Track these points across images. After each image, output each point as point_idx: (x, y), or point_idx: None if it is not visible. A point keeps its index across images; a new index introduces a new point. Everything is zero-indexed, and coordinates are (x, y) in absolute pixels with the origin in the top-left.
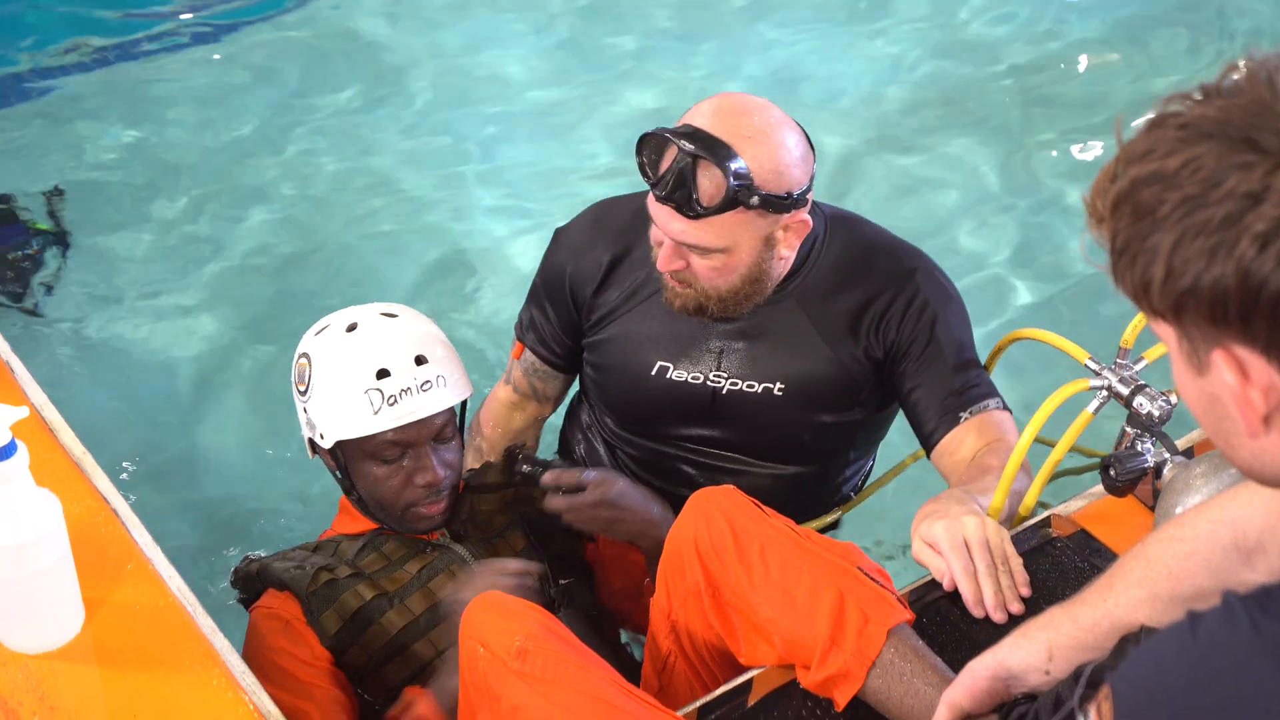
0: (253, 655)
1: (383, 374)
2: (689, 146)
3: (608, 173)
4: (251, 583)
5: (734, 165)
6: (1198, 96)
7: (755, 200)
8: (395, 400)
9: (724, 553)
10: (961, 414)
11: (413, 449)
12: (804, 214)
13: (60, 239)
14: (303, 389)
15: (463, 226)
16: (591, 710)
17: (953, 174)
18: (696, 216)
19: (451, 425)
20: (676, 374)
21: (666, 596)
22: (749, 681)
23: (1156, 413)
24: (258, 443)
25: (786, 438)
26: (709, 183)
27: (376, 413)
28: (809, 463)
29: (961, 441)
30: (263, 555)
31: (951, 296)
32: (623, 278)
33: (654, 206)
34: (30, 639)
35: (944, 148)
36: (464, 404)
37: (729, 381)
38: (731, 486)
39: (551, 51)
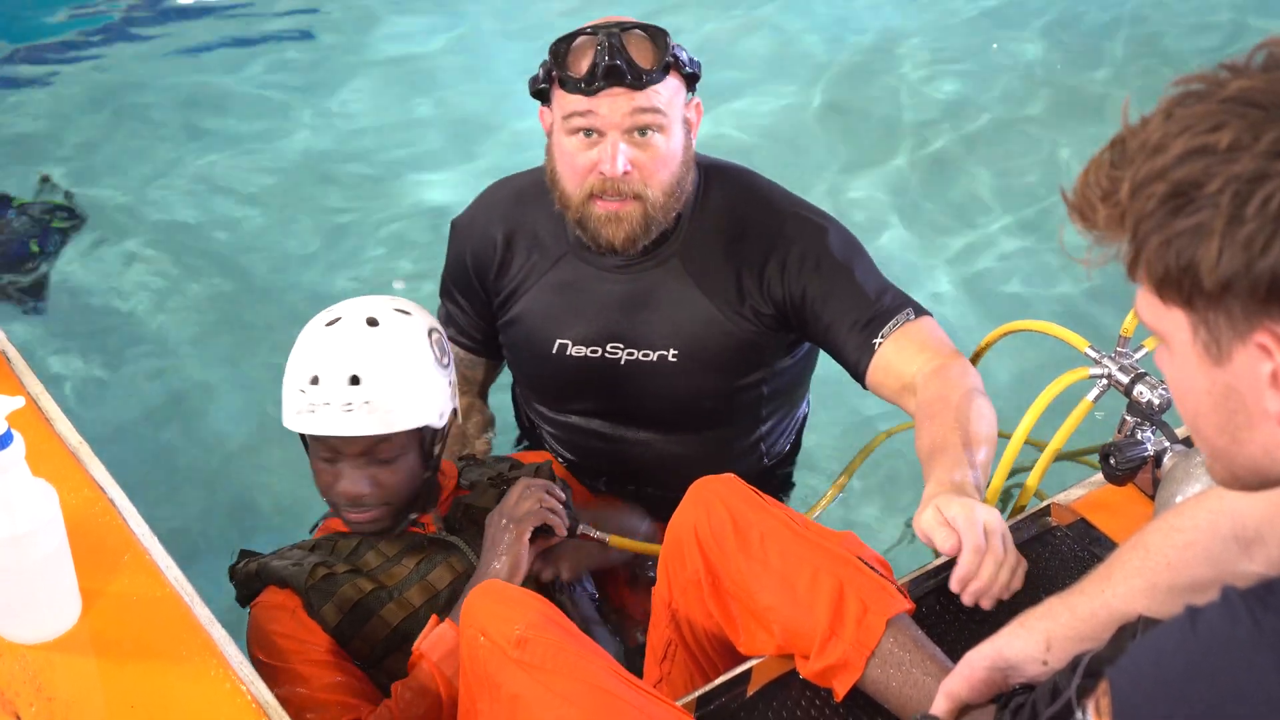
0: (258, 639)
1: (314, 380)
2: (612, 27)
3: None
4: (250, 582)
5: (655, 30)
6: (1226, 75)
7: (683, 60)
8: (314, 410)
9: (724, 541)
10: (875, 340)
11: (340, 456)
12: (698, 100)
13: (61, 232)
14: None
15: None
16: (591, 699)
17: (945, 163)
18: (642, 83)
19: (397, 450)
20: (576, 350)
21: (667, 585)
22: (748, 671)
23: (1157, 401)
24: (257, 433)
25: (689, 404)
26: (642, 50)
27: (297, 414)
28: (719, 427)
29: (887, 367)
30: (260, 555)
31: (826, 228)
32: (518, 255)
33: (591, 104)
34: (27, 630)
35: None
36: (437, 430)
37: (625, 352)
38: (732, 475)
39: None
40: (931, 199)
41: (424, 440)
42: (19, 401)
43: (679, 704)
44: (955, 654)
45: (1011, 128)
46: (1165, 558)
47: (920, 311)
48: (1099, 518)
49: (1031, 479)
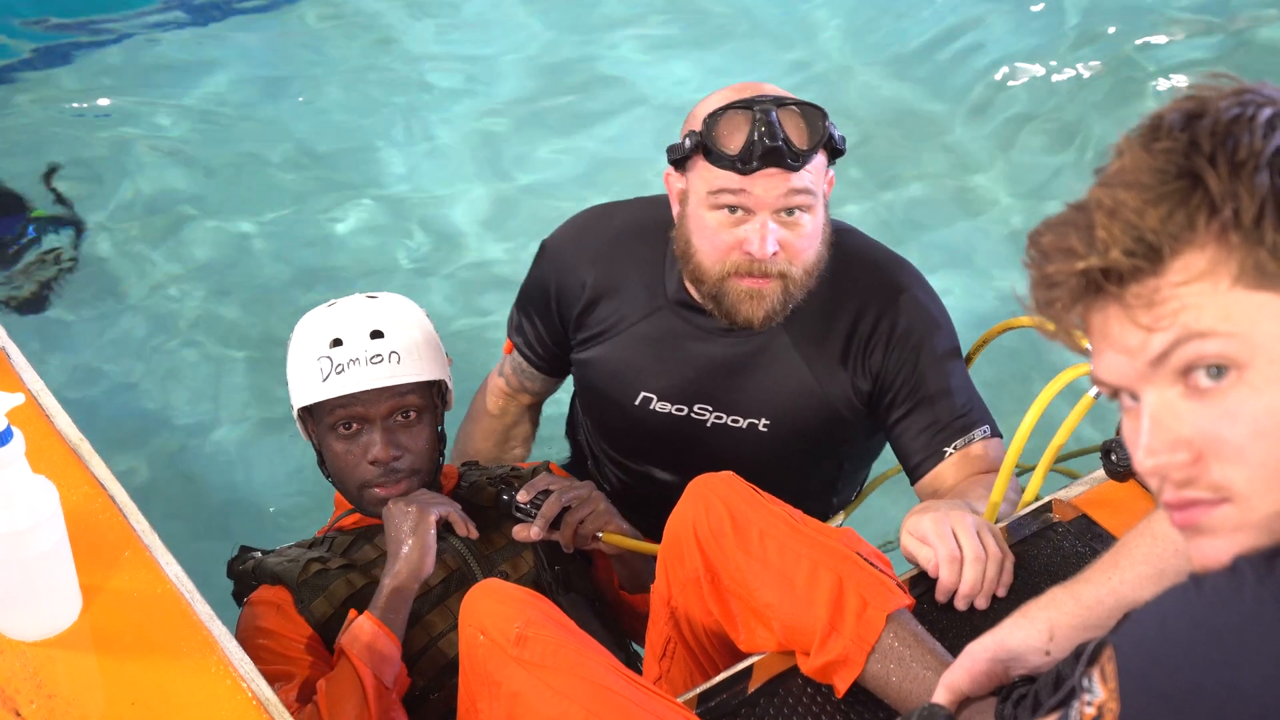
0: (242, 639)
1: (336, 343)
2: (766, 101)
3: (621, 164)
4: (246, 579)
5: (810, 107)
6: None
7: (835, 138)
8: (343, 369)
9: (723, 538)
10: (946, 448)
11: (367, 424)
12: (832, 173)
13: (69, 223)
14: (287, 359)
15: (474, 220)
16: (591, 696)
17: (949, 156)
18: (798, 164)
19: (418, 409)
20: (660, 405)
21: (666, 583)
22: (749, 668)
23: None
24: (258, 429)
25: (770, 473)
26: (798, 127)
27: (325, 380)
28: (793, 496)
29: (946, 476)
30: (258, 553)
31: (939, 322)
32: (607, 301)
33: (745, 183)
34: (28, 626)
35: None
36: (444, 395)
37: (714, 415)
38: (731, 473)
39: (560, 44)
40: (929, 191)
41: (436, 405)
42: (19, 398)
43: (680, 700)
44: (956, 649)
45: (1014, 122)
46: (1173, 543)
47: (995, 432)
48: (1100, 514)
49: (1035, 477)
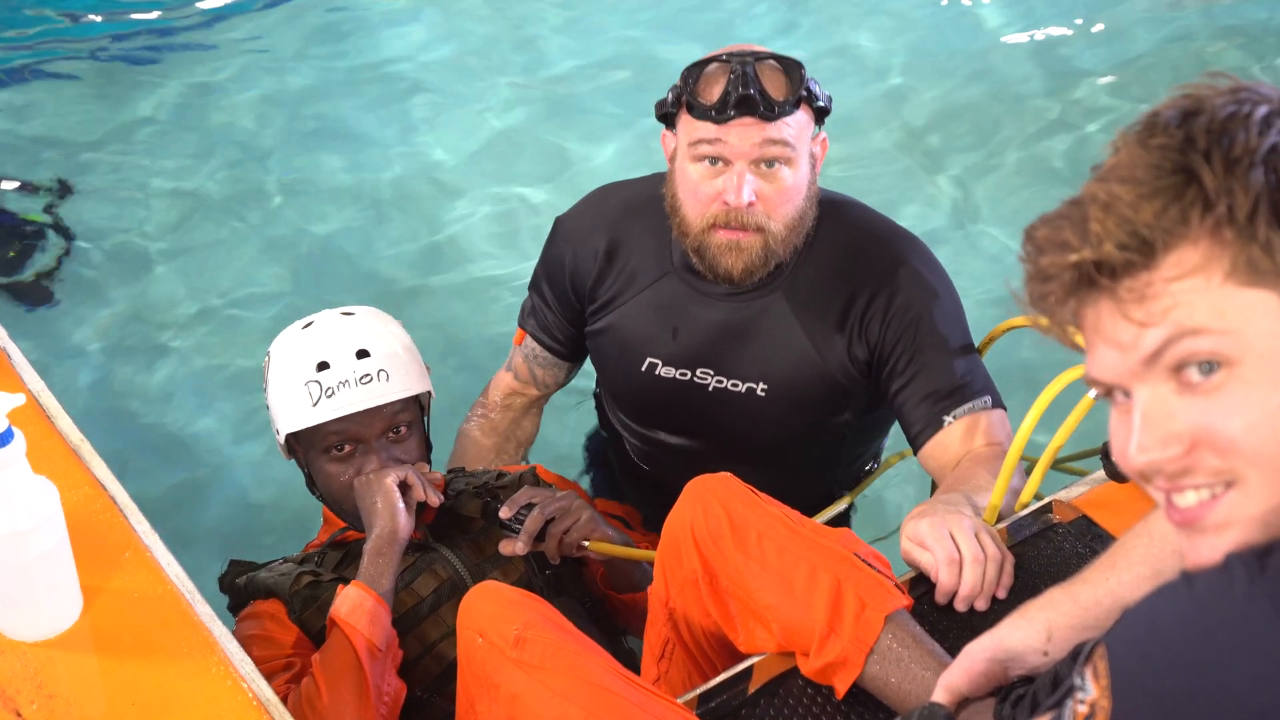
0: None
1: (322, 366)
2: (745, 55)
3: (618, 156)
4: (239, 594)
5: (789, 61)
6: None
7: (816, 94)
8: (333, 393)
9: (721, 540)
10: (946, 416)
11: (361, 445)
12: (824, 135)
13: (60, 229)
14: (264, 386)
15: (474, 215)
16: (591, 697)
17: (958, 152)
18: (774, 114)
19: (409, 424)
20: (665, 371)
21: (664, 584)
22: (750, 668)
23: None
24: (257, 432)
25: (770, 438)
26: (775, 81)
27: (315, 405)
28: (796, 464)
29: (947, 445)
30: (249, 566)
31: (939, 293)
32: (618, 268)
33: (721, 132)
34: (28, 627)
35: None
36: (428, 405)
37: (715, 379)
38: (728, 474)
39: (564, 39)
40: (931, 191)
41: (422, 416)
42: (19, 399)
43: (680, 701)
44: (955, 650)
45: (1017, 122)
46: (1171, 544)
47: (998, 403)
48: (1100, 515)
49: (1033, 478)
